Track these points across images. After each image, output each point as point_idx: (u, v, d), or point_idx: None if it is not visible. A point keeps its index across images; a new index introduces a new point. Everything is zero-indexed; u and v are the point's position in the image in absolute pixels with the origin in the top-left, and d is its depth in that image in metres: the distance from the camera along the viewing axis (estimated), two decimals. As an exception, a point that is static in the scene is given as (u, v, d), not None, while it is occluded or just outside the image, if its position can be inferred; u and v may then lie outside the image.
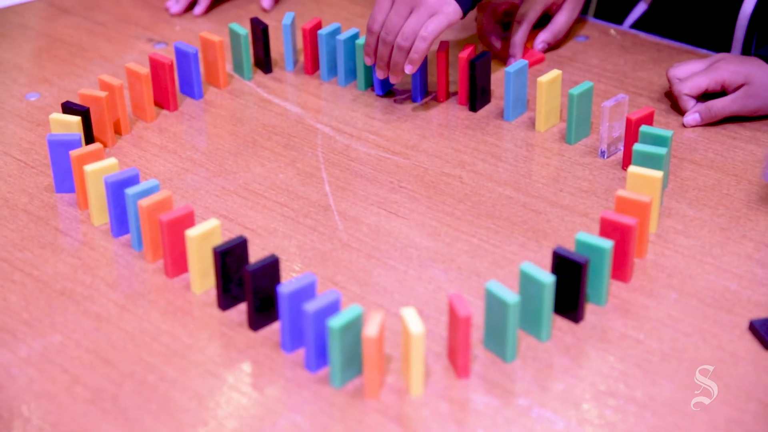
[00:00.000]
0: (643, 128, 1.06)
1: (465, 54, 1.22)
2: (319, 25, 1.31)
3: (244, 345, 0.89)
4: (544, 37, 1.35)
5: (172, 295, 0.95)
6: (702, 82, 1.16)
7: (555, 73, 1.17)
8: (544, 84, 1.16)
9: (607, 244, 0.90)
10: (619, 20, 1.49)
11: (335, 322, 0.82)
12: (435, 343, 0.89)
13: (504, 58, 1.33)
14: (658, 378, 0.85)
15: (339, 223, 1.04)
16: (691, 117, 1.17)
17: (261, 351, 0.89)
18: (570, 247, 0.98)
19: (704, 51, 1.35)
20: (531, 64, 1.32)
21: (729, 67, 1.15)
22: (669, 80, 1.20)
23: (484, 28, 1.34)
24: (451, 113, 1.23)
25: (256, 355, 0.88)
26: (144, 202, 0.96)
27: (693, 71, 1.18)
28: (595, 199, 1.07)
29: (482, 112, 1.23)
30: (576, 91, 1.13)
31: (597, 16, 1.54)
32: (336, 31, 1.29)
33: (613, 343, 0.89)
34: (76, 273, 0.98)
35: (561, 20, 1.35)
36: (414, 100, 1.26)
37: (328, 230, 1.03)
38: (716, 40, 1.37)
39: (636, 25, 1.46)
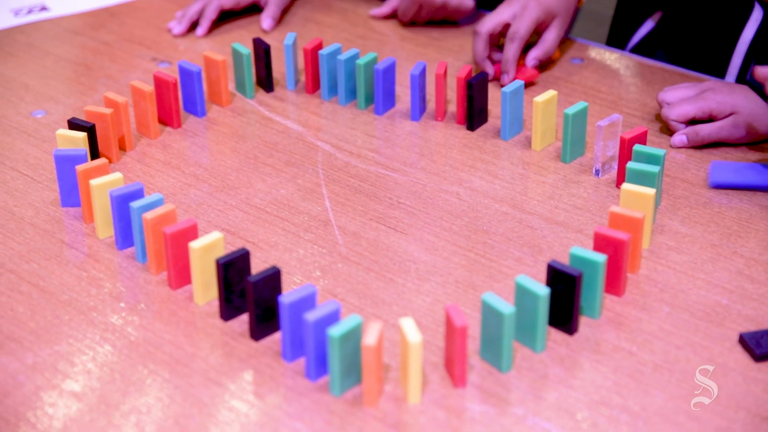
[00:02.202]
0: (637, 147, 1.08)
1: (463, 74, 1.25)
2: (320, 46, 1.34)
3: (246, 354, 0.91)
4: (535, 54, 1.37)
5: (175, 306, 0.97)
6: (689, 111, 1.19)
7: (551, 93, 1.19)
8: (539, 104, 1.18)
9: (601, 258, 0.93)
10: (627, 37, 1.52)
11: (335, 331, 0.84)
12: (432, 354, 0.91)
13: (501, 81, 1.36)
14: (650, 388, 0.87)
15: (339, 237, 1.07)
16: (678, 138, 1.20)
17: (262, 360, 0.91)
18: (564, 262, 1.00)
19: (698, 74, 1.38)
20: (525, 80, 1.35)
21: (716, 98, 1.18)
22: (658, 103, 1.23)
23: (479, 54, 1.36)
24: (449, 132, 1.26)
25: (257, 364, 0.90)
26: (148, 215, 0.98)
27: (682, 97, 1.21)
28: (590, 216, 1.09)
29: (479, 131, 1.26)
30: (571, 111, 1.16)
31: (609, 33, 1.58)
32: (337, 52, 1.32)
33: (607, 354, 0.91)
34: (81, 284, 1.00)
35: (550, 38, 1.37)
36: (413, 119, 1.28)
37: (328, 244, 1.06)
38: (719, 61, 1.40)
39: (643, 42, 1.49)
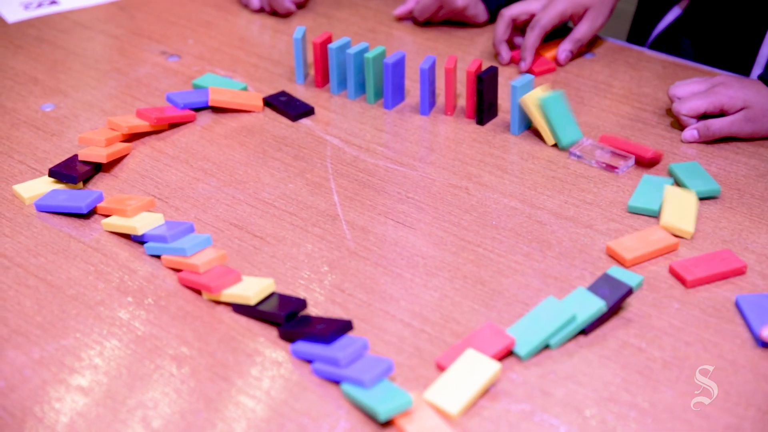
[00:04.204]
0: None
1: (473, 68, 1.24)
2: (329, 40, 1.33)
3: (252, 350, 0.91)
4: (566, 46, 1.37)
5: (183, 301, 0.97)
6: (701, 105, 1.18)
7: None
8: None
9: (635, 279, 0.96)
10: (651, 25, 1.50)
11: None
12: (438, 349, 0.90)
13: (520, 67, 1.36)
14: (659, 385, 0.87)
15: (347, 232, 1.06)
16: (689, 133, 1.19)
17: (269, 356, 0.90)
18: (572, 257, 0.99)
19: (711, 69, 1.36)
20: (541, 73, 1.35)
21: (728, 92, 1.17)
22: (669, 98, 1.22)
23: (498, 36, 1.36)
24: (458, 126, 1.25)
25: (263, 359, 0.90)
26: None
27: (693, 92, 1.20)
28: (599, 211, 1.08)
29: (489, 125, 1.25)
30: (545, 97, 1.17)
31: (633, 20, 1.56)
32: (346, 45, 1.31)
33: (616, 350, 0.90)
34: (88, 278, 1.00)
35: (582, 29, 1.37)
36: (422, 114, 1.28)
37: (336, 239, 1.05)
38: (747, 50, 1.38)
39: (668, 30, 1.47)
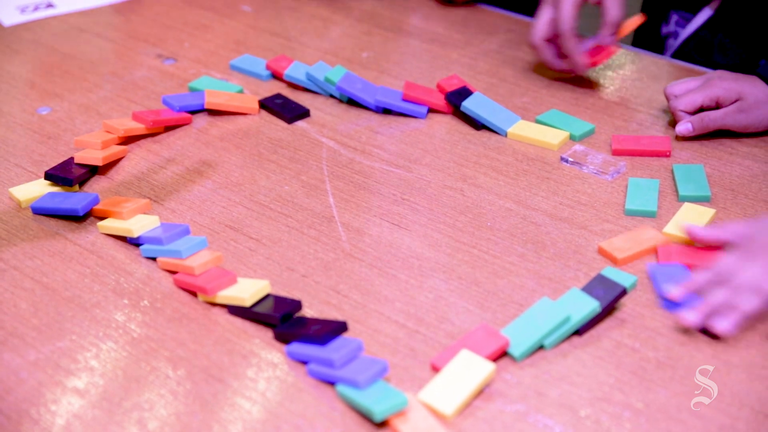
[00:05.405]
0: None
1: (445, 85, 1.27)
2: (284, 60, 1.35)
3: (248, 351, 0.91)
4: (606, 32, 1.30)
5: (178, 302, 0.97)
6: (697, 99, 1.18)
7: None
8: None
9: (629, 280, 0.95)
10: (657, 27, 1.49)
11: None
12: (432, 350, 0.91)
13: (576, 72, 1.33)
14: (653, 385, 0.87)
15: (342, 233, 1.06)
16: (684, 126, 1.19)
17: (264, 357, 0.91)
18: (567, 258, 1.00)
19: (704, 69, 1.37)
20: (598, 62, 1.30)
21: (723, 84, 1.18)
22: (666, 96, 1.23)
23: (548, 62, 1.32)
24: (453, 128, 1.26)
25: (259, 361, 0.90)
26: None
27: (689, 88, 1.21)
28: (594, 212, 1.09)
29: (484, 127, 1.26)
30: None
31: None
32: (302, 70, 1.33)
33: (609, 351, 0.91)
34: (84, 281, 1.00)
35: (613, 12, 1.29)
36: (417, 116, 1.28)
37: (331, 241, 1.05)
38: None
39: (701, 30, 1.44)
